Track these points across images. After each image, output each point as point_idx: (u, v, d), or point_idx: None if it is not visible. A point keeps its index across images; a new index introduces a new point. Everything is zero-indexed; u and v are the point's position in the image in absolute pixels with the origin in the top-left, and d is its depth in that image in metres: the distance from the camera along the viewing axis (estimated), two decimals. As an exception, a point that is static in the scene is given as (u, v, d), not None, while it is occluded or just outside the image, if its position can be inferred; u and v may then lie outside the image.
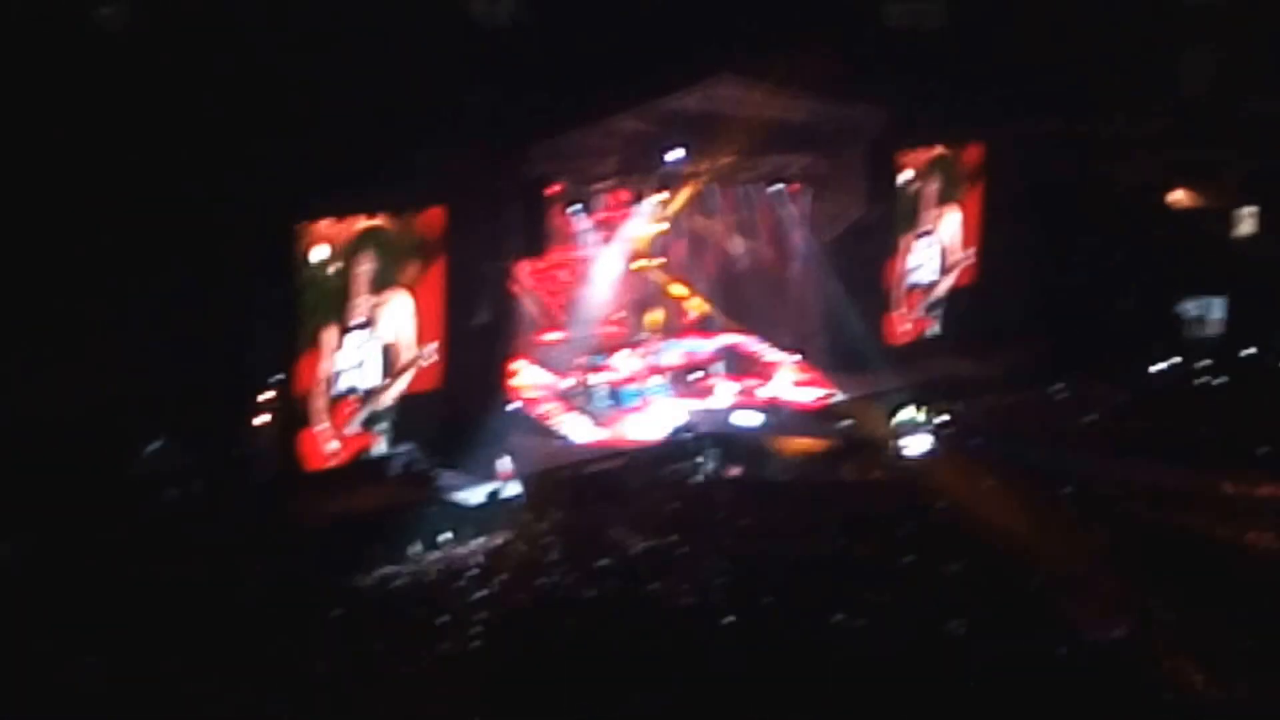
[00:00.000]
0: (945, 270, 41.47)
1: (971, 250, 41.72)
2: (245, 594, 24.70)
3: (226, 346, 29.33)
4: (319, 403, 30.69)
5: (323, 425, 30.76)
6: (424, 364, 32.02)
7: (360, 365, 31.21)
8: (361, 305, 31.09)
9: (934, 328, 41.66)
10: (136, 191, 28.33)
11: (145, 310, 28.38)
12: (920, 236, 40.77)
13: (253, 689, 21.60)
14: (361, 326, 31.12)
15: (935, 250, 41.17)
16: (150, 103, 28.81)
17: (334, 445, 31.00)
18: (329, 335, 30.61)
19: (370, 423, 31.59)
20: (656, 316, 39.84)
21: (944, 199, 40.99)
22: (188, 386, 28.78)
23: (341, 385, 31.01)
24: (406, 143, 30.29)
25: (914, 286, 41.05)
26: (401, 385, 31.92)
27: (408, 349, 31.87)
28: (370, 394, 31.48)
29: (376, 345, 31.44)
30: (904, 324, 40.98)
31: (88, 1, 29.90)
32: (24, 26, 28.42)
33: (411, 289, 31.74)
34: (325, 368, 30.67)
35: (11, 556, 25.71)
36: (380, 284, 31.28)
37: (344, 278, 30.75)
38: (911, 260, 40.75)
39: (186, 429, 28.95)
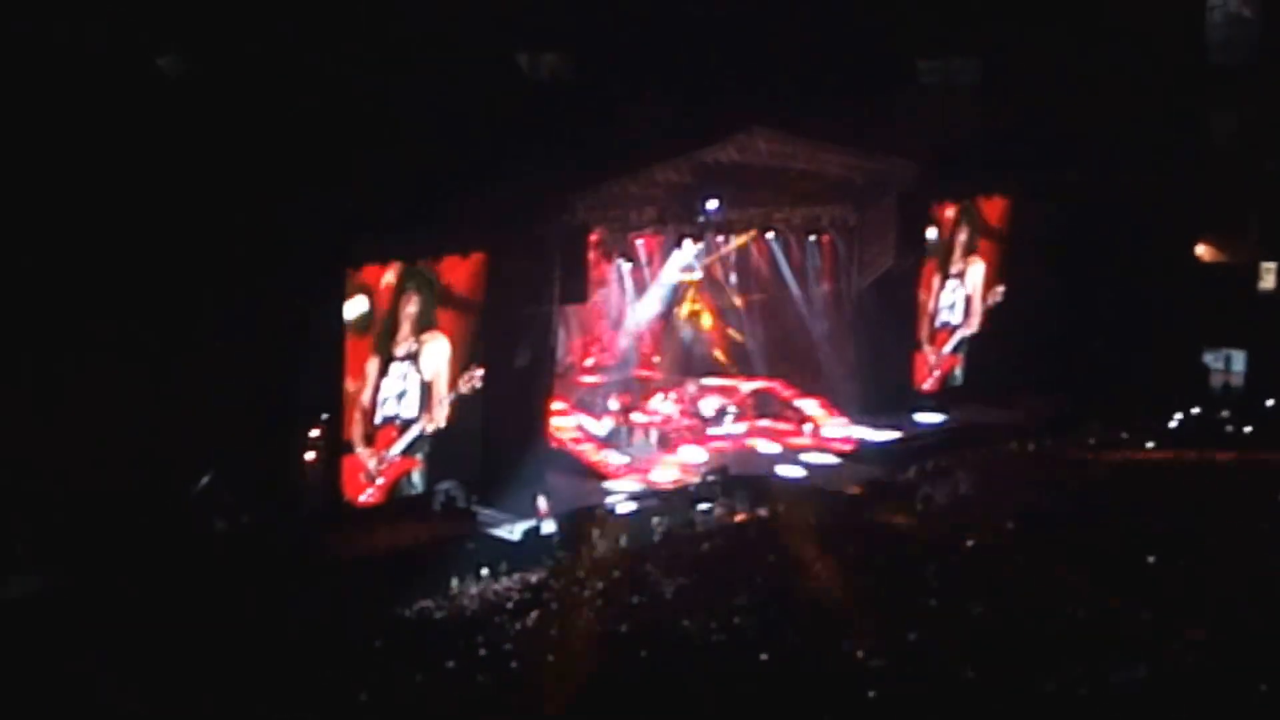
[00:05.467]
0: (970, 313, 42.37)
1: (997, 293, 42.57)
2: (291, 624, 25.16)
3: (276, 384, 30.06)
4: (363, 430, 31.58)
5: (365, 449, 31.67)
6: (467, 390, 32.98)
7: (402, 395, 32.14)
8: (406, 341, 32.04)
9: (959, 368, 42.45)
10: (191, 234, 29.11)
11: (198, 348, 29.10)
12: (949, 279, 41.69)
13: (295, 717, 22.02)
14: (405, 359, 32.08)
15: (962, 294, 42.11)
16: (207, 150, 29.54)
17: (375, 464, 31.91)
18: (373, 366, 31.55)
19: (412, 449, 32.45)
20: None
21: (970, 249, 41.81)
22: (238, 423, 29.45)
23: (385, 413, 31.94)
24: (453, 191, 31.10)
25: (943, 326, 41.99)
26: (441, 416, 32.80)
27: (445, 386, 32.77)
28: (411, 422, 32.36)
29: (417, 379, 32.34)
30: (932, 358, 41.79)
31: (151, 50, 30.69)
32: (90, 75, 29.13)
33: (451, 334, 32.65)
34: (367, 397, 31.55)
35: (58, 586, 26.46)
36: (423, 325, 32.22)
37: (392, 315, 31.73)
38: (942, 300, 41.75)
39: (236, 464, 29.60)
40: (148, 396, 28.60)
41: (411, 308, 32.03)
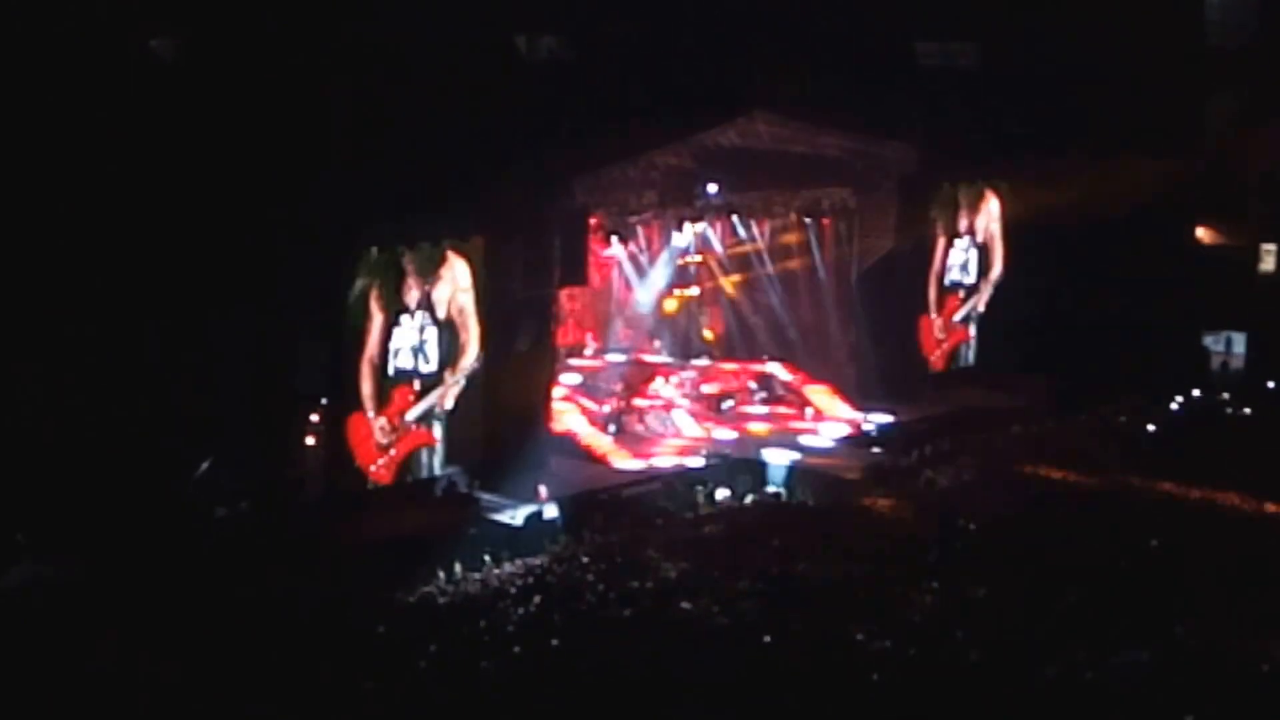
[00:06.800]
0: (988, 267, 41.96)
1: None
2: (292, 611, 25.11)
3: (276, 369, 30.06)
4: (374, 387, 30.91)
5: (375, 411, 30.97)
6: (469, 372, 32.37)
7: (420, 349, 31.50)
8: (414, 289, 31.28)
9: (971, 344, 42.14)
10: (191, 221, 29.03)
11: (197, 332, 29.10)
12: (957, 238, 41.29)
13: (298, 706, 21.98)
14: (418, 308, 31.36)
15: (974, 253, 41.74)
16: (207, 135, 29.52)
17: (388, 430, 31.28)
18: (378, 320, 30.76)
19: (427, 419, 31.99)
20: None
21: (977, 198, 41.54)
22: (237, 408, 29.54)
23: (399, 365, 31.18)
24: (453, 175, 31.04)
25: (953, 287, 41.58)
26: (469, 362, 32.18)
27: (473, 325, 32.11)
28: (429, 384, 31.79)
29: (435, 330, 31.74)
30: (939, 332, 41.38)
31: (147, 32, 30.67)
32: (88, 60, 29.10)
33: (468, 255, 31.93)
34: (374, 349, 30.78)
35: (59, 575, 26.39)
36: (430, 267, 31.59)
37: (394, 263, 31.10)
38: (951, 259, 41.34)
39: (236, 450, 29.60)
40: (146, 382, 28.62)
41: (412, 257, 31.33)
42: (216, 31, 31.00)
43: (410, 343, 31.40)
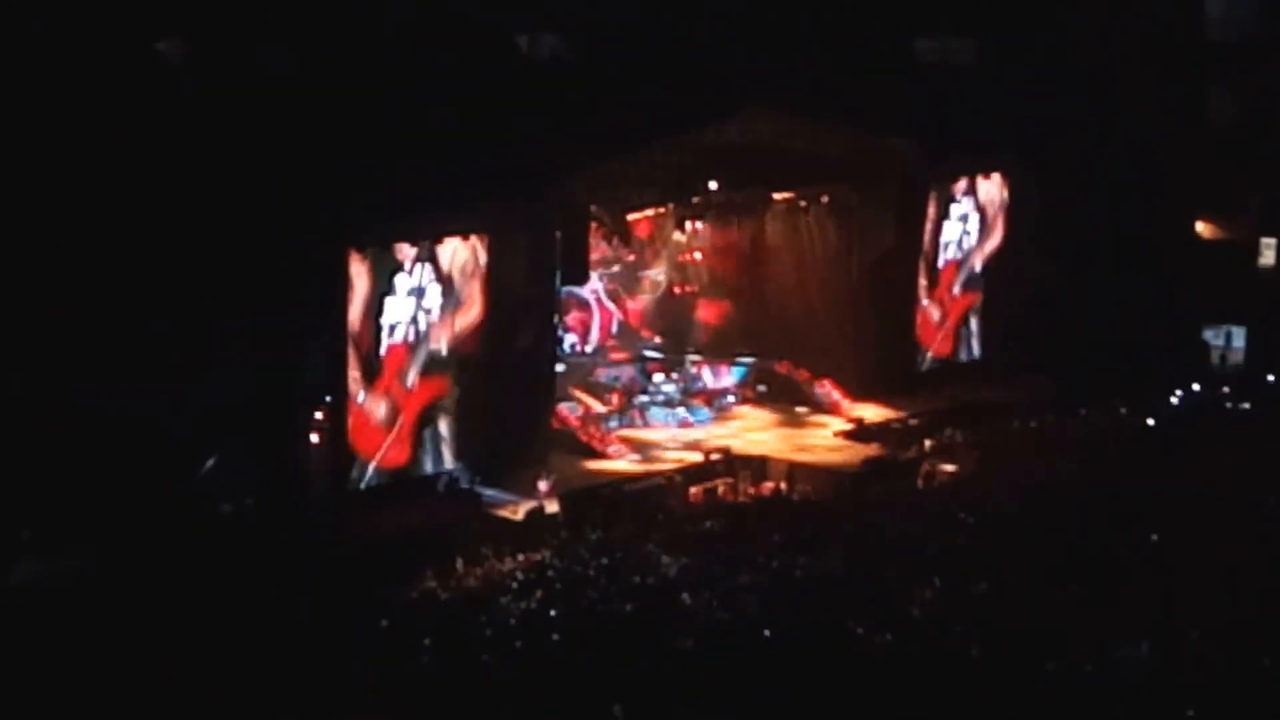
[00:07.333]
0: (987, 231, 41.53)
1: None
2: (296, 606, 25.22)
3: (279, 367, 30.26)
4: (362, 369, 30.46)
5: (367, 393, 30.55)
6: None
7: (418, 319, 31.22)
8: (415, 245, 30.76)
9: (974, 318, 41.90)
10: (194, 219, 29.17)
11: (201, 331, 29.22)
12: (951, 202, 40.73)
13: (302, 701, 22.02)
14: (417, 261, 30.99)
15: (974, 219, 41.25)
16: (208, 134, 29.64)
17: (389, 412, 31.04)
18: (362, 281, 30.28)
19: (430, 370, 31.64)
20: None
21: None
22: (242, 405, 29.66)
23: (393, 341, 30.82)
24: (454, 173, 31.12)
25: (948, 265, 41.01)
26: (470, 315, 31.78)
27: (469, 285, 31.82)
28: (422, 337, 31.32)
29: (438, 290, 31.51)
30: (935, 314, 40.99)
31: (151, 35, 30.78)
32: (93, 62, 29.21)
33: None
34: (357, 317, 30.30)
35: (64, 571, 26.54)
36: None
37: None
38: (946, 232, 40.82)
39: (240, 447, 29.74)
40: (151, 380, 28.67)
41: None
42: (223, 32, 31.11)
43: (406, 313, 31.08)
